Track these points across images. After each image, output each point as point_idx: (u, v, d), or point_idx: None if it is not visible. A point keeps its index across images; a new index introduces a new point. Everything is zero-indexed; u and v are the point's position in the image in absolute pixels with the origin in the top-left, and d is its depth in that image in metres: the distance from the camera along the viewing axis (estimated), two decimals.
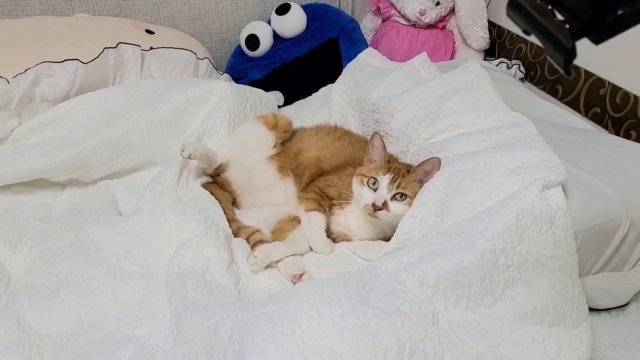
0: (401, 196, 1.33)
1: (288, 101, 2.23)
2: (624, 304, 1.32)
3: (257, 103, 1.88)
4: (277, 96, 2.16)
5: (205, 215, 1.40)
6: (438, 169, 1.33)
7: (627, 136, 1.70)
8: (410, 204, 1.32)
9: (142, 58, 1.90)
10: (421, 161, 1.34)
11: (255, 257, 1.31)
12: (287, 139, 1.67)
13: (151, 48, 1.94)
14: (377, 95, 1.79)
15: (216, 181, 1.65)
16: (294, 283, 1.28)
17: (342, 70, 2.08)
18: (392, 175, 1.33)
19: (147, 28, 2.06)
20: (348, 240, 1.45)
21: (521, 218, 1.08)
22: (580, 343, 1.06)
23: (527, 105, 1.81)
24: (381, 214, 1.32)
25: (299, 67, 2.27)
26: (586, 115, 1.89)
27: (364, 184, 1.37)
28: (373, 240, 1.45)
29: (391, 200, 1.33)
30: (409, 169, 1.37)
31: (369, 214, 1.34)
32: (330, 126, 1.74)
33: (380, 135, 1.41)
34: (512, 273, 1.06)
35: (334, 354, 0.90)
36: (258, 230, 1.47)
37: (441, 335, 0.98)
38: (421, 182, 1.35)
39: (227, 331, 0.99)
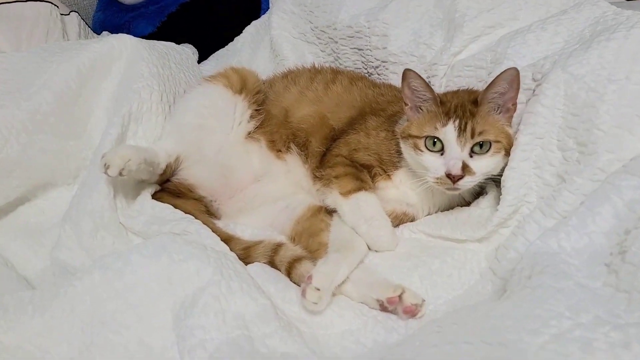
0: (481, 146, 0.88)
1: (202, 56, 1.62)
2: None
3: (179, 60, 1.30)
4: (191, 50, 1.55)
5: (200, 245, 0.83)
6: (518, 84, 0.90)
7: None
8: (500, 150, 0.89)
9: None
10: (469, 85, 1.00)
11: (318, 290, 0.80)
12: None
13: None
14: (349, 15, 1.35)
15: (167, 189, 1.06)
16: (391, 310, 0.80)
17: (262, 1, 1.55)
18: (457, 122, 0.88)
19: None
20: (410, 221, 1.00)
21: None
22: None
23: None
24: (464, 183, 0.88)
25: (203, 6, 1.66)
26: None
27: (420, 149, 0.90)
28: (443, 211, 1.00)
29: (470, 157, 0.88)
30: (472, 99, 0.92)
31: (446, 189, 0.90)
32: (306, 69, 1.23)
33: (414, 71, 0.93)
34: None
35: None
36: (282, 244, 0.94)
37: None
38: (500, 110, 0.92)
39: None
